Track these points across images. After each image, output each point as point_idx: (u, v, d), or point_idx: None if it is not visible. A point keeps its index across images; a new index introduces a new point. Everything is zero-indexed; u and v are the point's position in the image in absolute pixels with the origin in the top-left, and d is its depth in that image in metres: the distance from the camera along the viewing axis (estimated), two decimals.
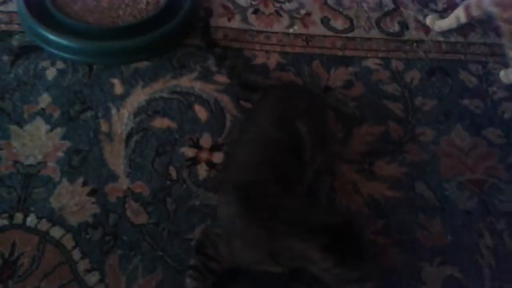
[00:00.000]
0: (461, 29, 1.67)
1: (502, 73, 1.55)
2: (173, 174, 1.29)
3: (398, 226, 1.23)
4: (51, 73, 1.43)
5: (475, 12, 1.55)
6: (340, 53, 1.59)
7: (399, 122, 1.43)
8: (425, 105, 1.47)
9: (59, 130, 1.32)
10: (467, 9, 1.57)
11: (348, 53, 1.59)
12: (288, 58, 1.56)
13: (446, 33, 1.66)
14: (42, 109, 1.35)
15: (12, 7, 1.56)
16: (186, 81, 1.48)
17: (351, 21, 1.68)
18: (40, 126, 1.32)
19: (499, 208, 1.28)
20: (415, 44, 1.63)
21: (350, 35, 1.64)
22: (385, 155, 1.36)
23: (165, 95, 1.44)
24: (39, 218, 1.17)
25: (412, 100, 1.48)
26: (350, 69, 1.55)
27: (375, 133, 1.41)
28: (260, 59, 1.55)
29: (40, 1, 1.51)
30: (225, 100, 1.45)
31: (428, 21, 1.66)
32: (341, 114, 1.43)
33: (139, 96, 1.42)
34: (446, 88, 1.52)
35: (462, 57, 1.61)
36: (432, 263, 1.17)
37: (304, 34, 1.62)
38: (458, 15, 1.60)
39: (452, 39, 1.65)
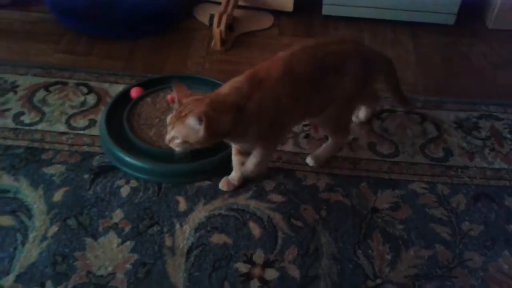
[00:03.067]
0: (505, 155, 1.75)
1: None
2: None
3: None
4: (125, 191, 1.61)
5: None
6: (386, 176, 1.70)
7: (447, 246, 1.48)
8: (472, 230, 1.52)
9: (128, 244, 1.46)
10: None
11: (394, 176, 1.70)
12: (337, 180, 1.68)
13: (490, 159, 1.74)
14: (115, 223, 1.51)
15: (94, 131, 1.80)
16: (242, 199, 1.61)
17: (396, 146, 1.80)
18: (112, 239, 1.47)
19: None
20: (459, 170, 1.71)
21: (395, 159, 1.76)
22: (433, 279, 1.39)
23: (223, 212, 1.57)
24: None
25: (459, 225, 1.54)
26: (397, 192, 1.64)
27: (423, 256, 1.45)
28: (310, 180, 1.68)
29: (120, 126, 1.75)
30: (277, 218, 1.56)
31: None
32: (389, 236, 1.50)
33: (200, 213, 1.56)
34: (492, 214, 1.57)
35: (507, 183, 1.67)
36: None
37: (351, 158, 1.76)
38: None
39: (497, 165, 1.73)
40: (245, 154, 1.58)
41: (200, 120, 1.30)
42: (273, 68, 1.43)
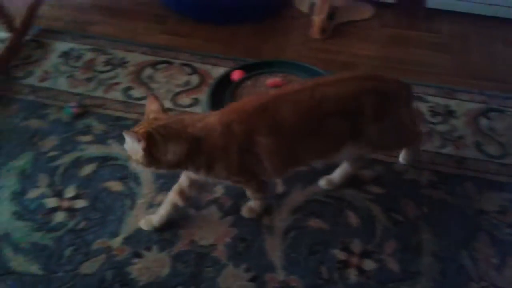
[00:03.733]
0: None
1: None
2: (325, 273, 1.38)
3: None
4: None
5: None
6: (493, 177, 1.61)
7: None
8: None
9: (229, 219, 1.50)
10: None
11: (501, 178, 1.61)
12: (440, 177, 1.62)
13: None
14: (217, 197, 1.55)
15: (197, 109, 1.86)
16: (340, 188, 1.60)
17: (505, 147, 1.71)
18: (214, 213, 1.51)
19: None
20: None
21: (503, 161, 1.67)
22: None
23: (320, 198, 1.57)
24: None
25: None
26: (505, 195, 1.56)
27: None
28: (411, 175, 1.63)
29: (222, 106, 1.78)
30: (376, 209, 1.53)
31: None
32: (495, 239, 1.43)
33: (298, 197, 1.57)
34: None
35: None
36: None
37: (456, 156, 1.69)
38: None
39: None
40: (194, 189, 1.42)
41: (138, 140, 1.20)
42: (251, 112, 1.29)
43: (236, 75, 1.91)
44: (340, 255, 1.42)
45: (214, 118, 1.29)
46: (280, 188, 1.57)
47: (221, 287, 1.34)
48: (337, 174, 1.59)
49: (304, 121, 1.32)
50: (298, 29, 2.30)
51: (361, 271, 1.38)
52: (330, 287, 1.35)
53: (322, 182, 1.59)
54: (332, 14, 2.28)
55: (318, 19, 2.20)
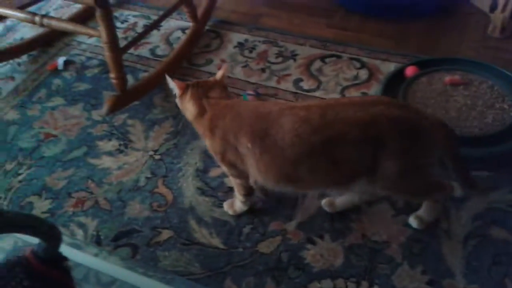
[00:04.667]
0: None
1: None
2: (509, 286, 1.27)
3: None
4: None
5: None
6: None
7: None
8: None
9: (403, 217, 1.46)
10: None
11: None
12: None
13: None
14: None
15: None
16: None
17: None
18: (386, 209, 1.49)
19: None
20: None
21: None
22: None
23: (503, 207, 1.46)
24: None
25: None
26: None
27: None
28: None
29: None
30: None
31: None
32: None
33: (478, 203, 1.47)
34: None
35: None
36: None
37: None
38: None
39: None
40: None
41: (177, 88, 1.35)
42: (251, 113, 1.28)
43: (410, 71, 1.85)
44: None
45: (228, 102, 1.33)
46: (458, 192, 1.49)
47: (396, 285, 1.31)
48: (341, 200, 1.47)
49: (305, 140, 1.19)
50: (475, 27, 2.16)
51: None
52: None
53: (324, 202, 1.47)
54: None
55: (500, 16, 2.04)
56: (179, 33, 2.25)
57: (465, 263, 1.34)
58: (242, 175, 1.36)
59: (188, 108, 1.35)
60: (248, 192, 1.43)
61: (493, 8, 2.11)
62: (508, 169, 1.55)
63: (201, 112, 1.33)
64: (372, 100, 1.24)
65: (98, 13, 1.69)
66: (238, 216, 1.50)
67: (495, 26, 2.08)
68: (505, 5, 2.06)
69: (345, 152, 1.19)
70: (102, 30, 1.72)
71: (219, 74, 1.40)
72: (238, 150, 1.28)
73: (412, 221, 1.42)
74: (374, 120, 1.17)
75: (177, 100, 1.39)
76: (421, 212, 1.42)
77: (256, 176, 1.30)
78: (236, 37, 2.20)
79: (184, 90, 1.35)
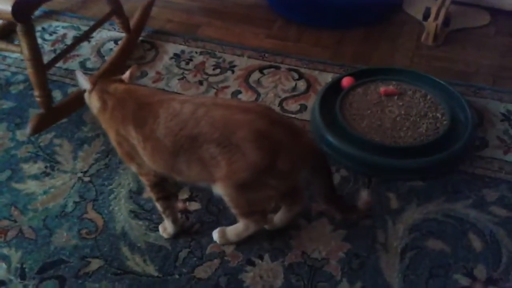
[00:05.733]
0: None
1: None
2: None
3: None
4: (335, 179, 1.55)
5: None
6: None
7: None
8: None
9: (341, 232, 1.44)
10: None
11: None
12: None
13: None
14: (326, 209, 1.49)
15: (305, 116, 1.82)
16: (460, 207, 1.50)
17: None
18: (325, 224, 1.47)
19: None
20: None
21: None
22: None
23: (439, 217, 1.47)
24: None
25: None
26: None
27: None
28: None
29: (331, 114, 1.74)
30: (501, 234, 1.42)
31: None
32: None
33: (414, 214, 1.48)
34: None
35: None
36: None
37: None
38: None
39: None
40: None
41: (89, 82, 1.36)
42: (135, 101, 1.30)
43: (346, 82, 1.85)
44: (463, 280, 1.32)
45: (122, 94, 1.32)
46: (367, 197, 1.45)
47: None
48: (278, 216, 1.43)
49: (175, 134, 1.22)
50: (409, 35, 2.20)
51: None
52: None
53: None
54: (448, 20, 2.15)
55: (433, 24, 2.09)
56: (111, 45, 2.16)
57: (402, 276, 1.34)
58: (147, 169, 1.34)
59: (93, 102, 1.37)
60: (162, 194, 1.40)
61: (426, 16, 2.16)
62: (443, 178, 1.58)
63: (103, 106, 1.34)
64: (249, 107, 1.29)
65: (18, 28, 1.59)
66: (174, 239, 1.43)
67: (428, 34, 2.12)
68: (437, 13, 2.11)
69: (208, 152, 1.21)
70: (23, 46, 1.61)
71: (126, 74, 1.40)
72: (129, 140, 1.30)
73: (215, 235, 1.41)
74: (237, 126, 1.19)
75: (86, 95, 1.39)
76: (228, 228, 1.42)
77: (149, 165, 1.31)
78: (172, 48, 2.13)
79: (94, 85, 1.36)
